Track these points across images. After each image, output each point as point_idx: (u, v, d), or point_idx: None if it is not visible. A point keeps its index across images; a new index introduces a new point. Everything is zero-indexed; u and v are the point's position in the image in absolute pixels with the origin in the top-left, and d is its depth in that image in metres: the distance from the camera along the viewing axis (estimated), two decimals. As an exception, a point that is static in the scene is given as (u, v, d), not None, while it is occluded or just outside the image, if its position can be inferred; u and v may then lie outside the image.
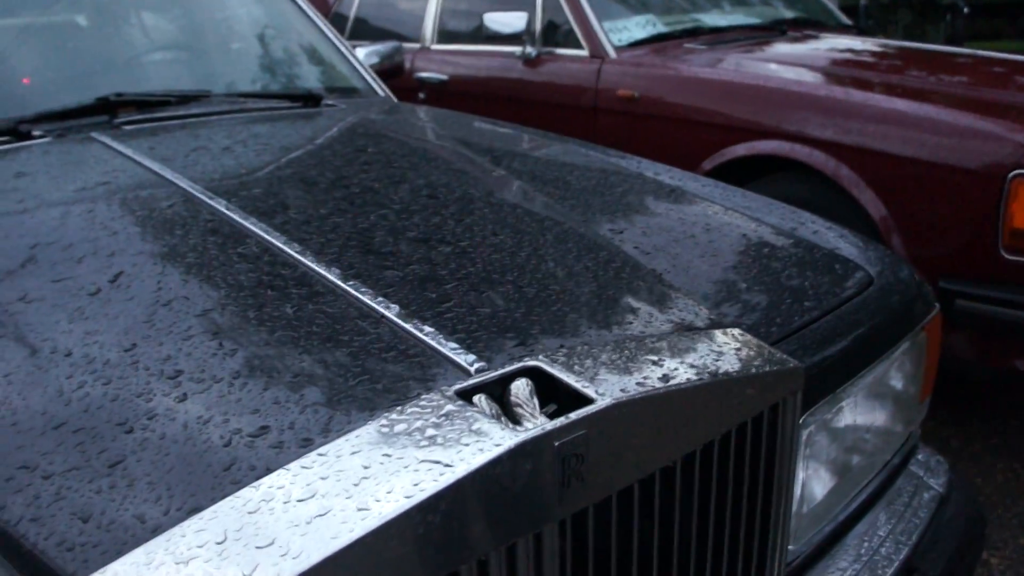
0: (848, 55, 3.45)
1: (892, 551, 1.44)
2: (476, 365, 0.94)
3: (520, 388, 0.90)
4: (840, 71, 3.17)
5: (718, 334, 1.12)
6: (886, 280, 1.50)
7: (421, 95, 3.93)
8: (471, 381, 0.91)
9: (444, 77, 3.92)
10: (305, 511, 0.75)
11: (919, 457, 1.67)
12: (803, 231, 1.64)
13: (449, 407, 0.87)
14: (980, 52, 3.50)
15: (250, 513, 0.76)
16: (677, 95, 3.11)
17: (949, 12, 9.02)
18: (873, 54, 3.51)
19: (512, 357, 0.98)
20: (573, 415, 0.86)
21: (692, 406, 0.99)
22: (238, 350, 0.98)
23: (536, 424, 0.85)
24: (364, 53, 2.65)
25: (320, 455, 0.82)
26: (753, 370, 1.06)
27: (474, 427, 0.84)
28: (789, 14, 3.92)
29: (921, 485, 1.59)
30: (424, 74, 3.96)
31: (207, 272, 1.15)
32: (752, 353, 1.10)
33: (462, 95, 3.73)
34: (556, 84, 3.49)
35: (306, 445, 0.84)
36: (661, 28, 3.53)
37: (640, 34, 3.46)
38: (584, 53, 3.43)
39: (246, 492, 0.78)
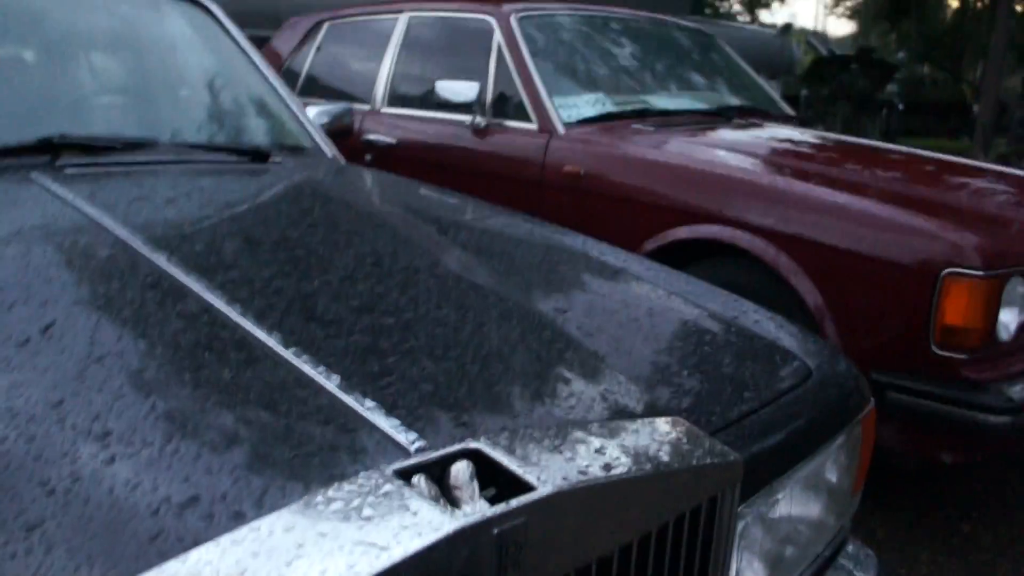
0: (791, 145, 3.55)
1: (819, 648, 1.44)
2: (416, 444, 0.92)
3: (460, 471, 0.89)
4: (783, 161, 3.26)
5: (660, 423, 1.12)
6: (824, 373, 1.52)
7: (368, 157, 3.93)
8: (410, 461, 0.89)
9: (392, 141, 3.93)
10: (233, 590, 0.72)
11: (848, 549, 1.68)
12: (744, 320, 1.66)
13: (387, 487, 0.85)
14: (916, 150, 3.63)
15: (174, 590, 0.72)
16: (623, 174, 3.16)
17: (886, 107, 9.41)
18: (814, 146, 3.62)
19: (453, 437, 0.96)
20: (513, 502, 0.85)
21: (633, 496, 0.98)
22: (171, 413, 0.95)
23: (475, 509, 0.83)
24: (315, 112, 2.65)
25: (252, 530, 0.79)
26: (694, 462, 1.06)
27: (412, 509, 0.82)
28: (735, 101, 4.03)
29: (850, 579, 1.60)
30: (372, 136, 3.97)
31: (143, 329, 1.12)
32: (692, 444, 1.10)
33: (409, 160, 3.74)
34: (504, 156, 3.52)
35: (237, 518, 0.81)
36: (610, 107, 3.59)
37: (589, 112, 3.51)
38: (533, 127, 3.48)
39: (172, 566, 0.75)
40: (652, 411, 1.18)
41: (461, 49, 3.90)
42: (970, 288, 2.46)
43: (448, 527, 0.80)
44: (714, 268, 2.94)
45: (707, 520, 1.11)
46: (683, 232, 3.00)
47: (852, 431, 1.50)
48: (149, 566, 0.75)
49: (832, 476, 1.49)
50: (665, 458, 1.03)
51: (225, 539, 0.77)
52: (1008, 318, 2.58)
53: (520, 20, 3.75)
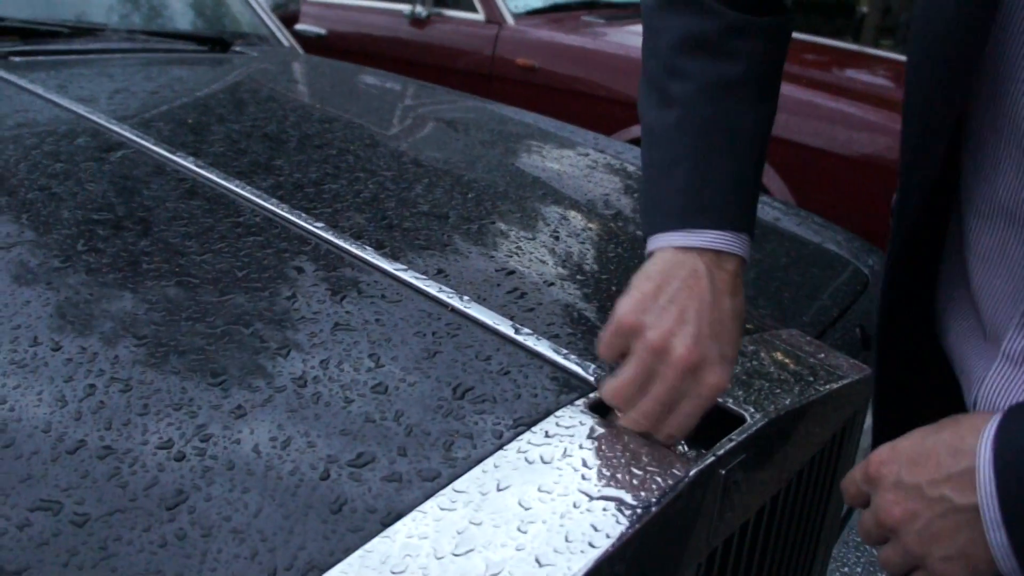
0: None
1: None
2: (596, 373, 0.78)
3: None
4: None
5: (795, 336, 1.01)
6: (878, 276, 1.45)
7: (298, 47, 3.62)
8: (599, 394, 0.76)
9: (323, 31, 3.63)
10: (471, 569, 0.58)
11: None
12: (787, 222, 1.57)
13: (592, 425, 0.71)
14: (864, 48, 3.58)
15: (395, 575, 0.58)
16: (581, 68, 2.99)
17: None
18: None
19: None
20: (736, 438, 0.72)
21: (813, 420, 0.87)
22: (289, 349, 0.78)
23: (692, 448, 0.71)
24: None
25: (459, 492, 0.64)
26: (846, 379, 0.96)
27: (634, 453, 0.68)
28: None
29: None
30: (299, 26, 3.66)
31: (209, 244, 0.92)
32: (833, 360, 1.00)
33: (342, 52, 3.46)
34: (448, 48, 3.29)
35: (432, 478, 0.65)
36: (556, -2, 3.41)
37: (537, 2, 3.31)
38: (479, 17, 3.25)
39: (378, 544, 0.59)
40: (765, 327, 1.07)
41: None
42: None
43: (682, 472, 0.67)
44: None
45: (842, 438, 1.02)
46: (642, 129, 2.88)
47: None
48: (345, 547, 0.59)
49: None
50: (824, 375, 0.93)
51: (431, 506, 0.63)
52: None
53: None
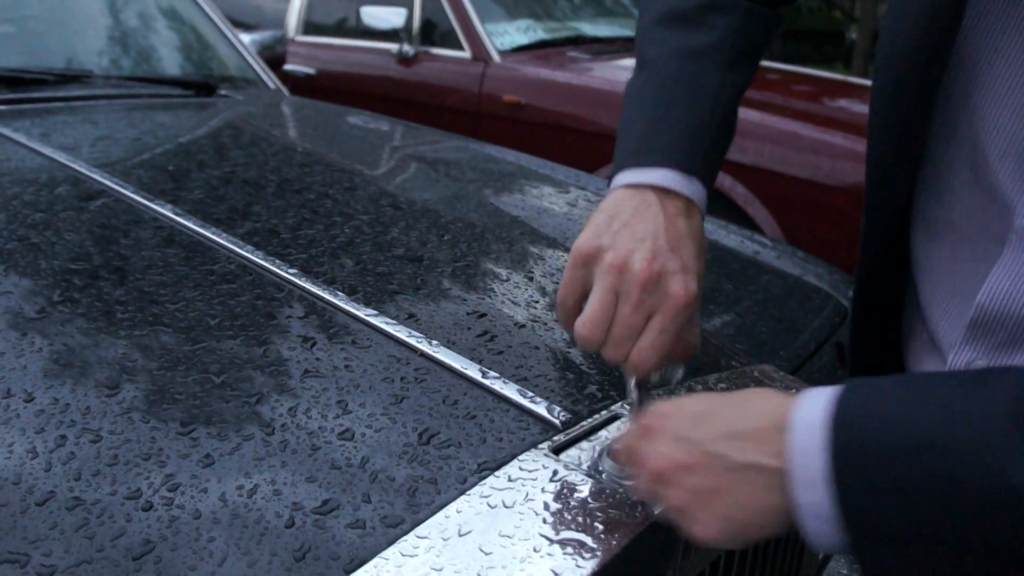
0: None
1: None
2: (561, 416, 0.79)
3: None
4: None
5: (770, 373, 1.02)
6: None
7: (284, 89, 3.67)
8: (563, 436, 0.77)
9: (311, 71, 3.68)
10: (430, 617, 0.59)
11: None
12: (766, 256, 1.58)
13: (556, 468, 0.72)
14: (850, 78, 3.62)
15: (355, 622, 0.58)
16: (567, 104, 3.02)
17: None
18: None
19: (592, 401, 0.84)
20: (699, 478, 0.73)
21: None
22: (258, 397, 0.79)
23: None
24: (246, 41, 2.41)
25: (420, 537, 0.65)
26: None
27: (599, 495, 0.69)
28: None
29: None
30: (288, 66, 3.70)
31: (183, 292, 0.94)
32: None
33: (331, 91, 3.50)
34: (435, 85, 3.33)
35: (395, 524, 0.66)
36: (542, 35, 3.44)
37: (522, 39, 3.35)
38: (466, 55, 3.29)
39: (340, 592, 0.60)
40: (744, 363, 1.08)
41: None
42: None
43: (642, 512, 0.68)
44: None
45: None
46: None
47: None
48: (308, 594, 0.60)
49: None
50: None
51: (393, 552, 0.64)
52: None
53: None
